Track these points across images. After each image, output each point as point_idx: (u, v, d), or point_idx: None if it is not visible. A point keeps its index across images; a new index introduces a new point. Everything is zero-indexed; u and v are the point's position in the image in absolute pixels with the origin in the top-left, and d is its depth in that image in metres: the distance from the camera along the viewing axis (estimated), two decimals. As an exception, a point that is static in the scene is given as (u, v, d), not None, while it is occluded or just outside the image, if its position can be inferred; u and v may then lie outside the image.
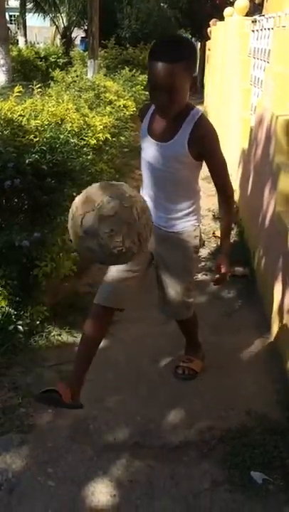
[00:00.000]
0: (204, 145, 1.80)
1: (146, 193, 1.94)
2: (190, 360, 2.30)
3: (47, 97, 3.86)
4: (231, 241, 3.25)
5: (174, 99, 1.69)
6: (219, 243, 3.79)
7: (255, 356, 2.50)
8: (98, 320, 1.94)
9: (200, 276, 3.23)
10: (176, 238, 1.96)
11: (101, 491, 1.74)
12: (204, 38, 13.13)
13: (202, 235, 2.06)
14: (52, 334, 2.55)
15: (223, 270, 1.95)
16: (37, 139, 2.75)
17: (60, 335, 2.56)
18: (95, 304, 1.94)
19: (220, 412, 2.08)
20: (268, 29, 3.83)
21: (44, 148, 2.66)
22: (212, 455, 1.89)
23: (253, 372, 2.36)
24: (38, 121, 2.92)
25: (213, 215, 4.25)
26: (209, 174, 1.90)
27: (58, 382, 1.94)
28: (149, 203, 1.81)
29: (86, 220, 1.47)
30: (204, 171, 1.90)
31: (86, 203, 1.49)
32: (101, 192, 1.49)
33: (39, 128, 2.88)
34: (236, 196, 4.48)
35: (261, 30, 4.18)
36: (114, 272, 1.94)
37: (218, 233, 3.95)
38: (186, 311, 2.13)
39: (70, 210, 1.55)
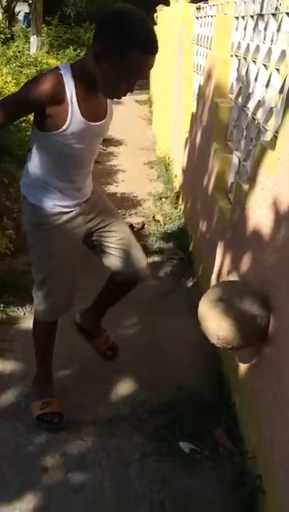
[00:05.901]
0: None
1: (62, 175, 1.77)
2: (108, 338, 2.31)
3: (-16, 69, 3.71)
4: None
5: None
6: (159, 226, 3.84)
7: (189, 334, 2.56)
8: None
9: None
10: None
11: (32, 466, 1.75)
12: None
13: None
14: (-15, 313, 2.50)
15: None
16: (-28, 111, 2.64)
17: (-6, 313, 2.51)
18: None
19: (153, 387, 2.14)
20: (211, 16, 3.88)
21: (-20, 120, 2.56)
22: (143, 428, 1.94)
23: (185, 349, 2.44)
24: (-26, 93, 2.81)
25: (154, 199, 4.30)
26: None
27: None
28: (67, 185, 1.77)
29: None
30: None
31: None
32: None
33: (-25, 100, 2.76)
34: (179, 182, 4.54)
35: (205, 17, 4.22)
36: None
37: (158, 217, 4.01)
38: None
39: None
